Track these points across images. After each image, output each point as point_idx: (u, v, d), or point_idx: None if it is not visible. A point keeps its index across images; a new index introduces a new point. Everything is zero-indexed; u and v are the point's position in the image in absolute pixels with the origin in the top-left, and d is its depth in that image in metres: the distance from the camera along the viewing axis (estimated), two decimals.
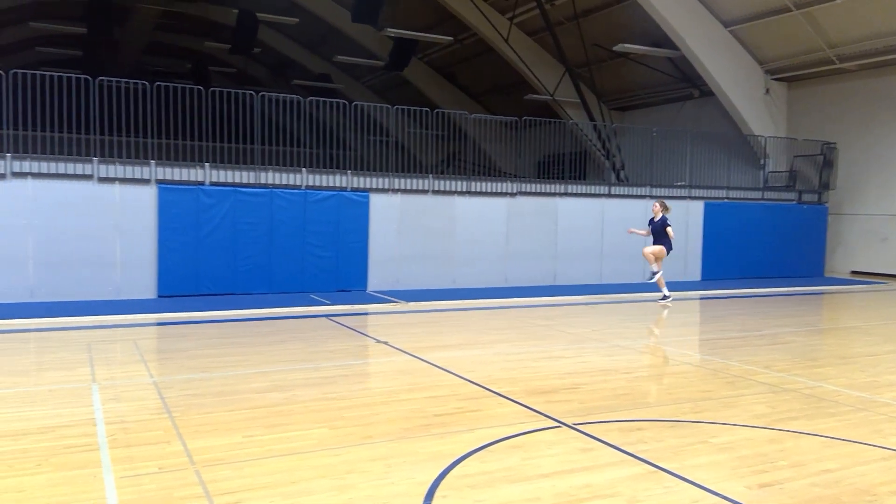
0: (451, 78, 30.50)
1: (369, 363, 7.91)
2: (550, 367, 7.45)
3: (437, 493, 3.95)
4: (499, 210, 14.94)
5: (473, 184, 14.72)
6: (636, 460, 4.54)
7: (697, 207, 17.11)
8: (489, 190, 14.88)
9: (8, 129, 11.51)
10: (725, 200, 17.70)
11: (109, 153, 12.53)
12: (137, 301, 11.48)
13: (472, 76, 29.85)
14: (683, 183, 17.45)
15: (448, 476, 4.21)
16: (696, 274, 17.08)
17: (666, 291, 12.99)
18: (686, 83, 22.72)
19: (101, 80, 11.97)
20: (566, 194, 15.74)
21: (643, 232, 13.31)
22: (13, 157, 11.12)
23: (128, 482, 4.02)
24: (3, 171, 11.02)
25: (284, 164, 14.79)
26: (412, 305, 11.96)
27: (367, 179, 13.84)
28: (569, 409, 5.76)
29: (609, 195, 16.29)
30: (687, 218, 16.82)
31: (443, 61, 29.70)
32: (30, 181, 11.20)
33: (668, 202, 13.67)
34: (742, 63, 20.30)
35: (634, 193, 16.63)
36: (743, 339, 9.41)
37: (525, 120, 15.87)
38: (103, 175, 11.66)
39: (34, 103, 11.70)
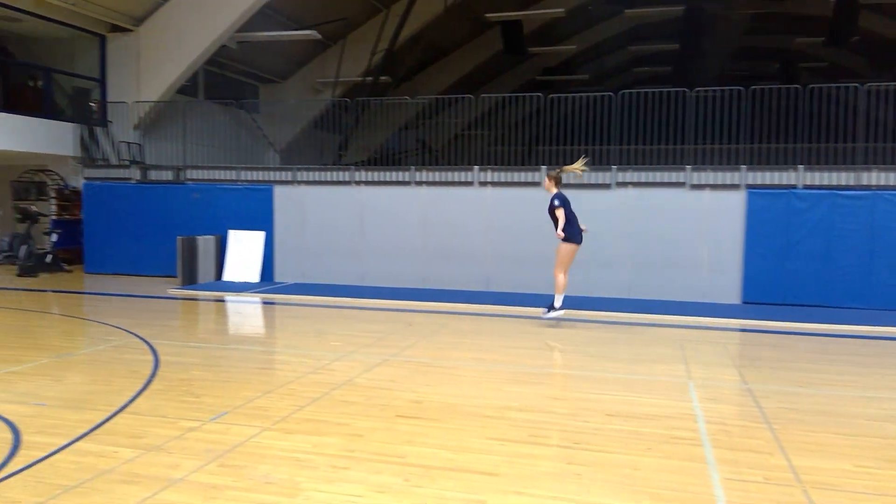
0: None
1: None
2: None
3: None
4: None
5: None
6: None
7: None
8: None
9: (613, 144, 13.09)
10: None
11: (701, 160, 13.01)
12: (722, 305, 11.56)
13: None
14: None
15: None
16: None
17: (557, 303, 9.18)
18: None
19: (698, 90, 12.50)
20: None
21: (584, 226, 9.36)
22: (617, 169, 12.54)
23: (733, 485, 4.00)
24: (608, 182, 12.54)
25: (892, 163, 12.85)
26: None
27: None
28: None
29: None
30: None
31: None
32: (630, 190, 12.46)
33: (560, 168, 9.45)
34: None
35: None
36: None
37: None
38: (695, 182, 12.14)
39: (635, 119, 12.99)
